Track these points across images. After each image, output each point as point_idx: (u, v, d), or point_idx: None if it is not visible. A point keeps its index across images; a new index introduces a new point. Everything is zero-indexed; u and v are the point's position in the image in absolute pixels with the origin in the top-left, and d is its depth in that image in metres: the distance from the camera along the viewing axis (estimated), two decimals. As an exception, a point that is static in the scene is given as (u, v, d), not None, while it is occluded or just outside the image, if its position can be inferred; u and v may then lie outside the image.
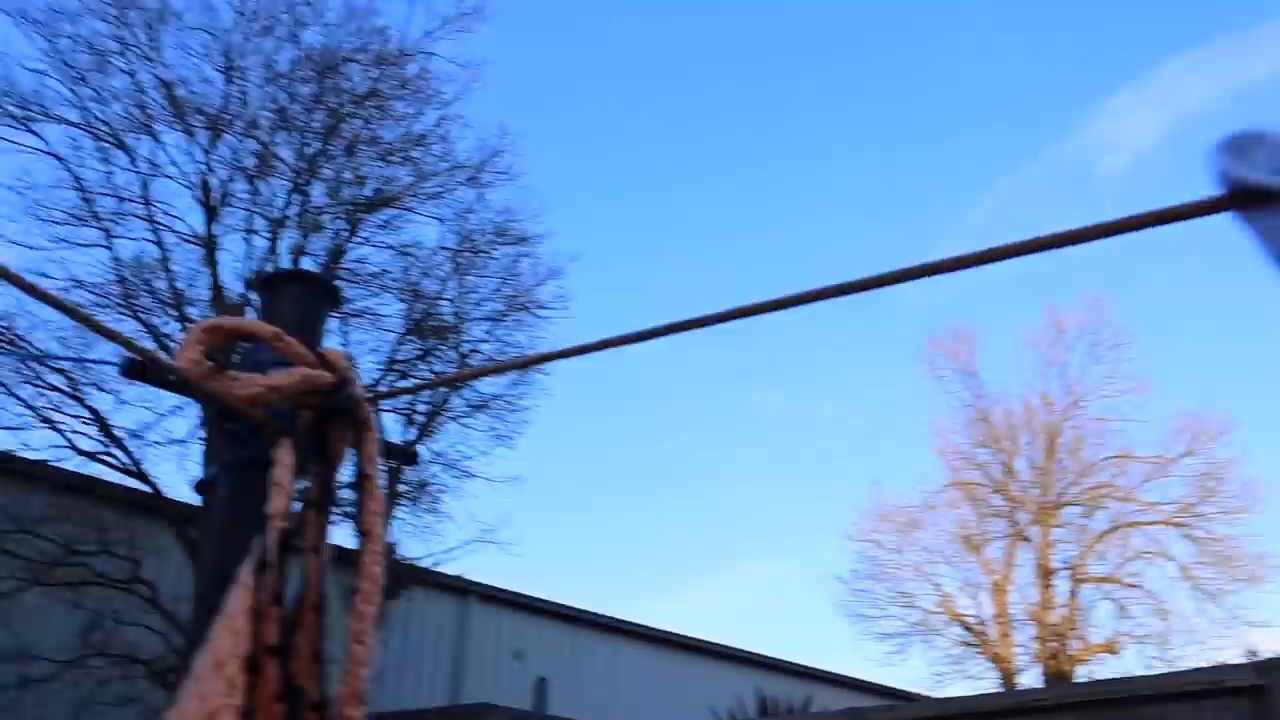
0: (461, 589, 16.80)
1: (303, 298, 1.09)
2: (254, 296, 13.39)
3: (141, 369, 0.96)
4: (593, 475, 32.07)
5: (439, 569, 14.90)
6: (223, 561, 0.86)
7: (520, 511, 22.67)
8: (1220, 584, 19.82)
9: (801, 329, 33.01)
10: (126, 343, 0.94)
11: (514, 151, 15.10)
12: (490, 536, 14.96)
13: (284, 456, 0.87)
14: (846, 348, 33.90)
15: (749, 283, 30.49)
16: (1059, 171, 27.85)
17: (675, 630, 19.92)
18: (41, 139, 12.93)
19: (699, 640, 20.12)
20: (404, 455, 10.46)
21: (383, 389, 14.31)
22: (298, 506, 0.94)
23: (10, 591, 11.21)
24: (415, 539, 15.05)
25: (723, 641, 20.47)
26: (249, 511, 0.88)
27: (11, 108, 12.70)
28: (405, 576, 13.94)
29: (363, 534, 0.95)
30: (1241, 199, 0.73)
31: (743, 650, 20.54)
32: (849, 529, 23.69)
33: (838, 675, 21.42)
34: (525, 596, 17.97)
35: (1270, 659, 6.39)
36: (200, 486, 10.82)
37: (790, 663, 20.78)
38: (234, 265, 13.76)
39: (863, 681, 21.61)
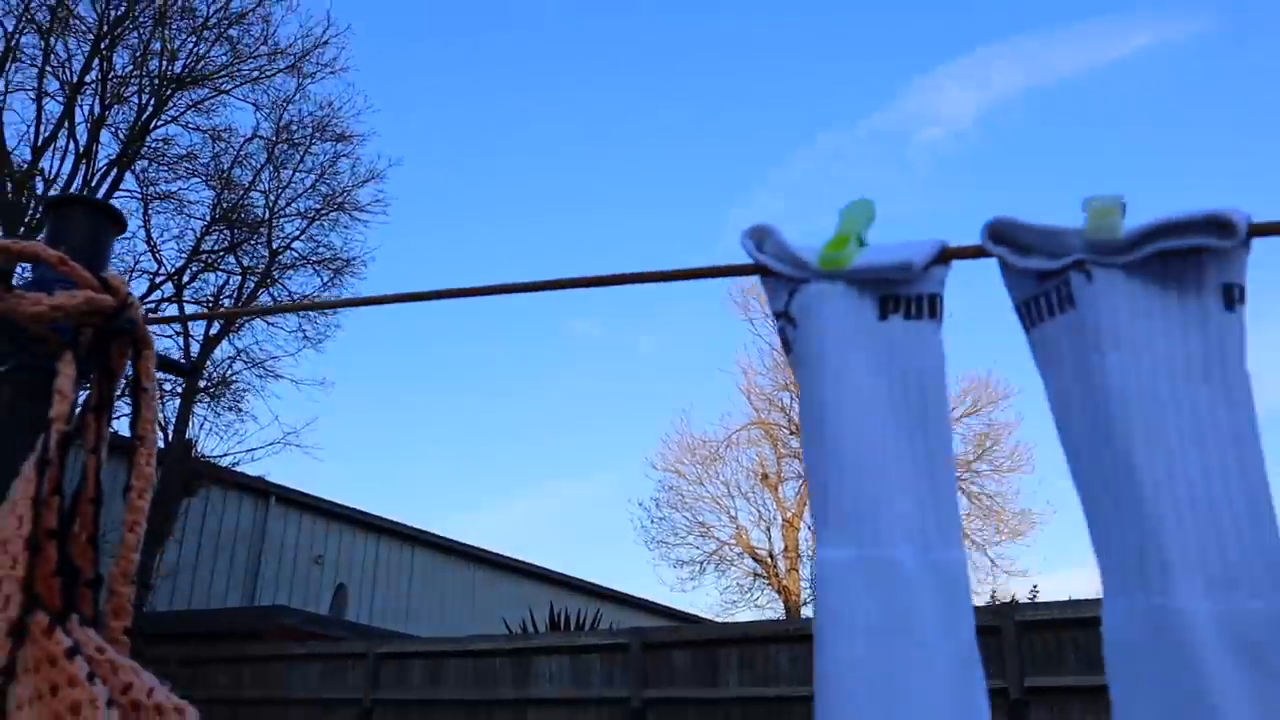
0: (262, 490, 16.54)
1: (89, 222, 1.20)
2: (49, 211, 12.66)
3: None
4: (404, 388, 31.84)
5: (239, 469, 14.63)
6: (7, 458, 0.99)
7: (327, 416, 22.32)
8: (986, 535, 21.33)
9: (621, 263, 33.32)
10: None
11: (340, 44, 14.62)
12: (294, 439, 14.77)
13: (66, 368, 1.01)
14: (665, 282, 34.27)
15: (571, 204, 30.58)
16: (881, 134, 28.84)
17: (475, 544, 20.24)
18: None
19: (496, 554, 20.48)
20: (179, 369, 10.35)
21: (185, 281, 13.87)
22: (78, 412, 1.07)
23: None
24: (215, 437, 14.71)
25: (520, 557, 20.92)
26: (32, 414, 1.01)
27: None
28: (204, 474, 13.64)
29: (138, 438, 1.10)
30: (763, 272, 1.05)
31: (538, 566, 21.03)
32: (654, 458, 24.37)
33: (627, 595, 22.20)
34: (326, 502, 17.85)
35: (1004, 603, 7.10)
36: None
37: (584, 581, 21.40)
38: (21, 128, 12.85)
39: (651, 603, 22.47)
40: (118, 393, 1.10)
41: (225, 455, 14.26)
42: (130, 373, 1.07)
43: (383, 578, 18.53)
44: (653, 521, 22.72)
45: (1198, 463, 0.85)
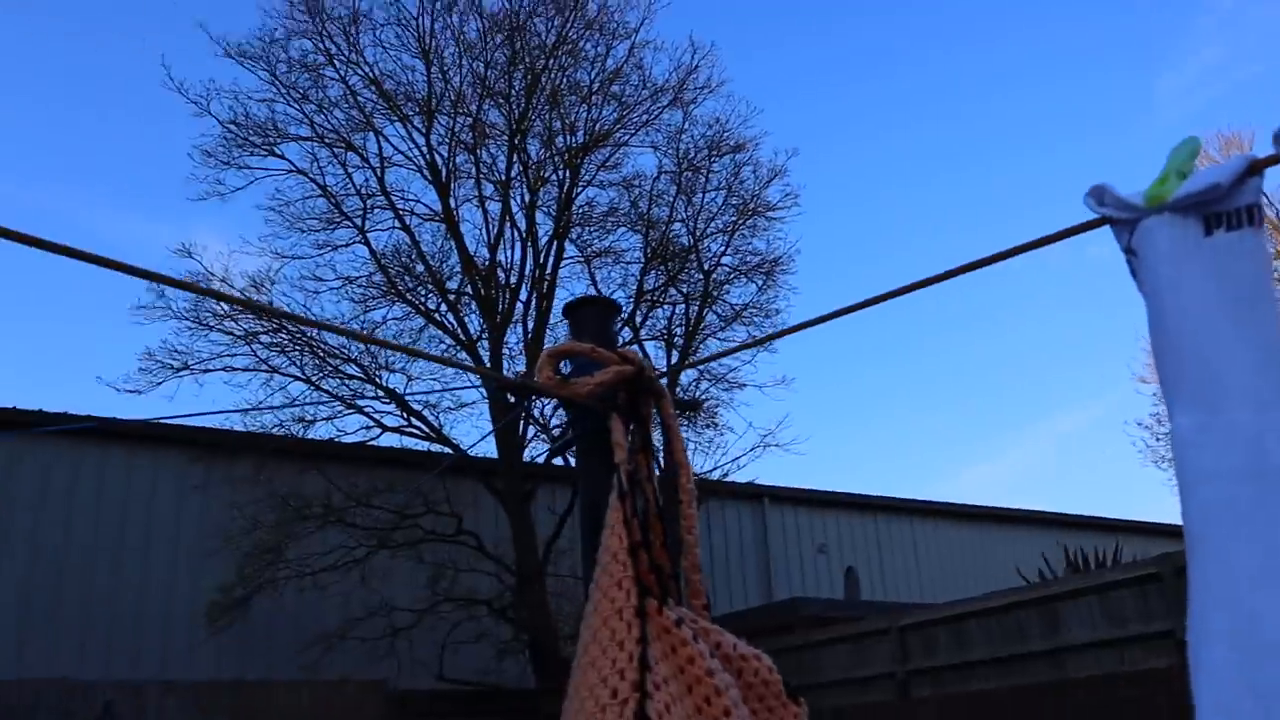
0: (755, 494, 17.43)
1: (597, 315, 1.60)
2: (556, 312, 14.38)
3: (520, 388, 1.48)
4: (870, 360, 32.15)
5: (730, 479, 15.51)
6: (595, 495, 1.37)
7: (799, 411, 23.11)
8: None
9: (1047, 172, 31.56)
10: (504, 381, 1.43)
11: (709, 63, 15.23)
12: (771, 440, 15.41)
13: (616, 424, 1.38)
14: (1101, 170, 32.08)
15: (985, 122, 29.45)
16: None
17: (973, 502, 20.03)
18: (285, 159, 14.31)
19: (997, 508, 20.14)
20: (688, 406, 11.58)
21: (638, 319, 15.08)
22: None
23: (363, 557, 12.79)
24: (701, 454, 15.75)
25: (1022, 505, 20.42)
26: (603, 461, 1.39)
27: (254, 139, 14.11)
28: (701, 489, 14.55)
29: (677, 464, 1.45)
30: (1107, 221, 1.25)
31: (1043, 511, 20.41)
32: (1139, 371, 22.78)
33: (1146, 523, 20.92)
34: (816, 492, 18.50)
35: None
36: (562, 448, 12.15)
37: (1094, 517, 20.46)
38: (475, 233, 14.78)
39: (1174, 526, 20.97)
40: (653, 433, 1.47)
41: (714, 469, 15.20)
42: (657, 417, 1.43)
43: (888, 553, 18.87)
44: (1157, 439, 21.25)
45: None
